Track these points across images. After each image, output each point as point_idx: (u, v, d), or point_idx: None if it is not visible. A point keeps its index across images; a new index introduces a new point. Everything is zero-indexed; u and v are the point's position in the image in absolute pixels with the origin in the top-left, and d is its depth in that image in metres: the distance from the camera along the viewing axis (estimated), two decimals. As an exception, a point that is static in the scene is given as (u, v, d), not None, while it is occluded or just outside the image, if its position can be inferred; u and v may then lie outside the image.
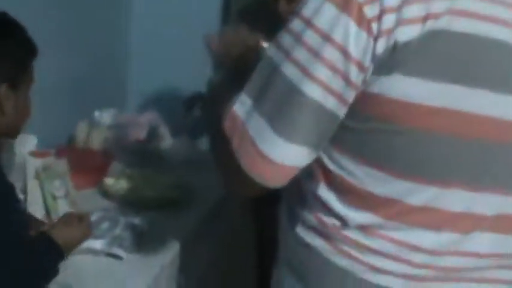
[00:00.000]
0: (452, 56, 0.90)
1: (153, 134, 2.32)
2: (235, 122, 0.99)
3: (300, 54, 0.94)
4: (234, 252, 2.08)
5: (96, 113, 2.29)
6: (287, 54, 0.95)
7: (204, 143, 2.56)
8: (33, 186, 1.59)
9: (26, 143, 1.67)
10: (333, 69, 0.91)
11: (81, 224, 1.30)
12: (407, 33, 0.88)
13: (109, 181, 1.86)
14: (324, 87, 0.92)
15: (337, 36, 0.91)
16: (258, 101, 0.97)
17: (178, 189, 1.87)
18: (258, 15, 2.50)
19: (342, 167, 0.99)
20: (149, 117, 2.35)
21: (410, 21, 0.88)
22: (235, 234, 2.10)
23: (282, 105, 0.94)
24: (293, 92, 0.93)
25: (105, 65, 2.58)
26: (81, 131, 2.20)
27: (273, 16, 2.42)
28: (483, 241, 0.98)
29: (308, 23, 0.94)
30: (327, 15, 0.92)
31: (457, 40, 0.90)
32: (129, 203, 1.77)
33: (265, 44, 1.40)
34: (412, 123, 0.92)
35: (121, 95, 2.72)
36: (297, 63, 0.94)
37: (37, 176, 1.59)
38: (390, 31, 0.89)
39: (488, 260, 1.00)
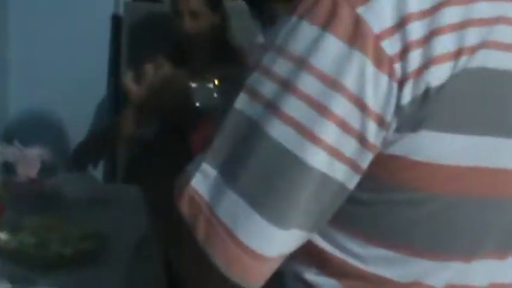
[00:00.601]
0: (487, 101, 0.71)
1: (46, 170, 1.96)
2: (197, 204, 0.72)
3: (295, 108, 0.69)
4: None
5: (-27, 149, 1.90)
6: (273, 108, 0.70)
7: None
8: None
9: None
10: (344, 127, 0.68)
11: None
12: (440, 75, 0.67)
13: (3, 236, 1.49)
14: (330, 153, 0.69)
15: (348, 82, 0.68)
16: (230, 173, 0.71)
17: (94, 239, 1.54)
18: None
19: (342, 248, 0.76)
20: (39, 151, 1.98)
21: (442, 59, 0.67)
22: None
23: (269, 180, 0.70)
24: (287, 160, 0.69)
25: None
26: (-43, 173, 1.80)
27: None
28: None
29: (302, 64, 0.69)
30: (330, 52, 0.68)
31: (493, 80, 0.70)
32: (35, 262, 1.42)
33: (193, 85, 1.13)
34: (439, 189, 0.72)
35: (1, 124, 2.33)
36: (290, 121, 0.69)
37: None
38: (419, 73, 0.67)
39: None
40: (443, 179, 0.72)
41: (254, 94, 0.72)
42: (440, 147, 0.70)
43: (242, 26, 2.62)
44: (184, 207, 0.73)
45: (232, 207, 0.71)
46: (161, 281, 1.86)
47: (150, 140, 1.73)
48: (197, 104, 1.07)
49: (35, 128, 2.38)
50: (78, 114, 2.56)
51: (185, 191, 0.73)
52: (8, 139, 2.01)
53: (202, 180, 0.73)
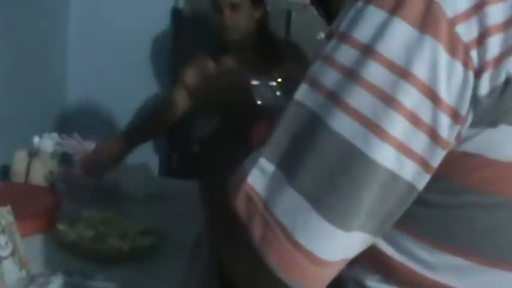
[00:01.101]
0: None
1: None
2: (253, 202, 0.67)
3: (360, 99, 0.63)
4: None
5: (35, 139, 1.90)
6: (336, 100, 0.64)
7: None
8: (-31, 244, 1.21)
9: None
10: (414, 120, 0.62)
11: None
12: None
13: (62, 227, 1.48)
14: (399, 149, 0.62)
15: (419, 70, 0.61)
16: (290, 169, 0.66)
17: (152, 234, 1.51)
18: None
19: (408, 254, 0.70)
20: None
21: None
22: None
23: (332, 177, 0.64)
24: (351, 156, 0.63)
25: (42, 84, 2.21)
26: (19, 162, 1.80)
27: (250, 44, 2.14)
28: None
29: (368, 51, 0.63)
30: (399, 38, 0.62)
31: None
32: (92, 256, 1.41)
33: (255, 82, 1.08)
34: None
35: (61, 116, 2.33)
36: (355, 114, 0.63)
37: (-26, 232, 1.21)
38: (498, 61, 0.61)
39: None
40: None
41: (316, 84, 0.66)
42: None
43: (301, 21, 2.58)
44: (240, 206, 0.68)
45: (291, 206, 0.65)
46: (216, 280, 1.84)
47: (207, 138, 1.68)
48: (258, 102, 1.01)
49: (93, 121, 2.38)
50: (136, 107, 2.55)
51: (241, 188, 0.68)
52: (67, 131, 2.00)
53: (259, 176, 0.67)
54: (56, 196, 1.66)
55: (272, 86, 1.08)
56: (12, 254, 1.26)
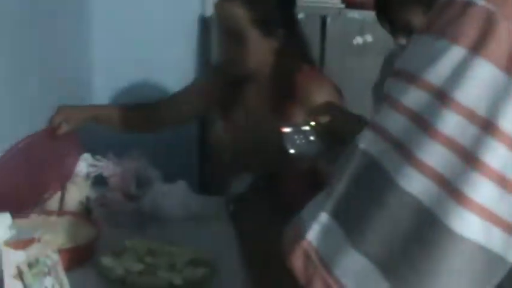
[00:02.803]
0: None
1: (141, 183, 1.83)
2: (312, 262, 0.58)
3: (436, 156, 0.53)
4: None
5: (67, 161, 1.79)
6: (406, 153, 0.54)
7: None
8: (13, 289, 1.10)
9: (-3, 225, 1.17)
10: (502, 183, 0.52)
11: None
12: None
13: (107, 261, 1.37)
14: (485, 217, 0.52)
15: (507, 124, 0.52)
16: (355, 228, 0.56)
17: (202, 264, 1.40)
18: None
19: None
20: (134, 163, 1.85)
21: None
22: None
23: (405, 245, 0.53)
24: (427, 223, 0.52)
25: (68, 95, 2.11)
26: (52, 187, 1.69)
27: None
28: None
29: (443, 98, 0.53)
30: (481, 83, 0.52)
31: None
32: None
33: (286, 129, 0.95)
34: None
35: (91, 134, 2.23)
36: (430, 172, 0.52)
37: (20, 274, 1.10)
38: None
39: None
40: None
41: (381, 132, 0.56)
42: None
43: (337, 26, 2.46)
44: (298, 264, 0.60)
45: (358, 272, 0.56)
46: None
47: (243, 195, 1.51)
48: (291, 151, 0.89)
49: (123, 139, 2.27)
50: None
51: (299, 244, 0.60)
52: (101, 151, 1.88)
53: (320, 233, 0.59)
54: (96, 224, 1.55)
55: (305, 131, 0.95)
56: (59, 295, 1.15)
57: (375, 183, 0.56)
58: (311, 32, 2.27)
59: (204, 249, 1.47)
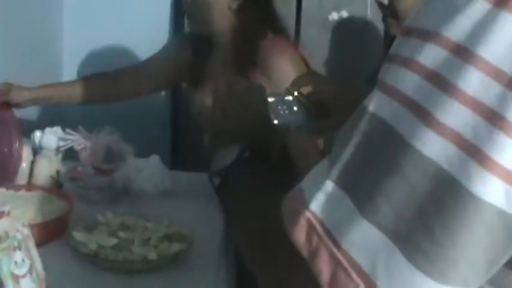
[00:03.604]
0: None
1: (113, 157, 1.79)
2: (318, 234, 0.54)
3: (457, 117, 0.49)
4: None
5: (37, 135, 1.73)
6: (425, 115, 0.50)
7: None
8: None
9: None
10: None
11: None
12: None
13: (79, 236, 1.33)
14: (508, 180, 0.48)
15: None
16: (366, 197, 0.52)
17: (177, 239, 1.37)
18: None
19: None
20: (106, 137, 1.81)
21: None
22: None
23: (421, 212, 0.50)
24: (446, 188, 0.49)
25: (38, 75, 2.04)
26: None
27: None
28: None
29: (465, 55, 0.50)
30: (507, 38, 0.49)
31: None
32: (115, 266, 1.26)
33: (270, 99, 0.91)
34: None
35: (61, 108, 2.17)
36: (450, 134, 0.49)
37: (-13, 250, 1.05)
38: None
39: None
40: None
41: (394, 94, 0.53)
42: None
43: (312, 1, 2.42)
44: (300, 237, 0.56)
45: (369, 244, 0.52)
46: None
47: (229, 167, 1.45)
48: (275, 122, 0.85)
49: (93, 112, 2.21)
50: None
51: (301, 216, 0.56)
52: (69, 124, 1.83)
53: (325, 203, 0.55)
54: (68, 199, 1.51)
55: (289, 101, 0.92)
56: (30, 271, 1.11)
57: (387, 147, 0.52)
58: (287, 8, 2.23)
59: (178, 224, 1.44)
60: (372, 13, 2.37)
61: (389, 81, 0.54)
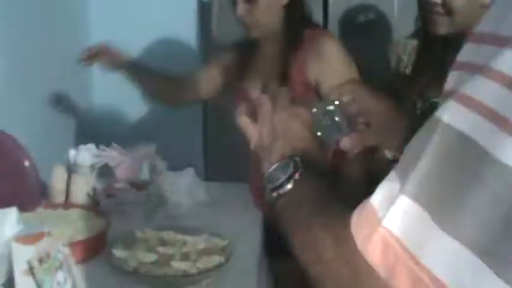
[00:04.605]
0: None
1: (150, 173, 1.79)
2: (394, 251, 0.52)
3: None
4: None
5: (72, 153, 1.74)
6: (505, 124, 0.48)
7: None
8: (24, 285, 1.06)
9: (5, 220, 1.12)
10: None
11: None
12: None
13: (119, 253, 1.33)
14: None
15: None
16: (444, 210, 0.50)
17: (216, 252, 1.36)
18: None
19: None
20: (139, 152, 1.81)
21: None
22: None
23: (506, 223, 0.48)
24: None
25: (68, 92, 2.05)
26: (58, 179, 1.64)
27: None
28: None
29: None
30: None
31: None
32: (157, 282, 1.26)
33: (313, 110, 0.86)
34: None
35: (95, 126, 2.18)
36: None
37: (31, 270, 1.05)
38: None
39: None
40: None
41: (471, 103, 0.50)
42: None
43: (340, 3, 2.40)
44: (374, 255, 0.54)
45: (452, 260, 0.49)
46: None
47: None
48: (318, 134, 0.81)
49: (128, 129, 2.22)
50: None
51: (374, 233, 0.54)
52: (104, 142, 1.84)
53: (401, 219, 0.53)
54: (105, 215, 1.51)
55: (330, 111, 0.88)
56: (72, 290, 1.11)
57: (467, 159, 0.49)
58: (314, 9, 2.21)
59: (216, 236, 1.43)
60: (398, 12, 2.35)
61: (464, 91, 0.51)
